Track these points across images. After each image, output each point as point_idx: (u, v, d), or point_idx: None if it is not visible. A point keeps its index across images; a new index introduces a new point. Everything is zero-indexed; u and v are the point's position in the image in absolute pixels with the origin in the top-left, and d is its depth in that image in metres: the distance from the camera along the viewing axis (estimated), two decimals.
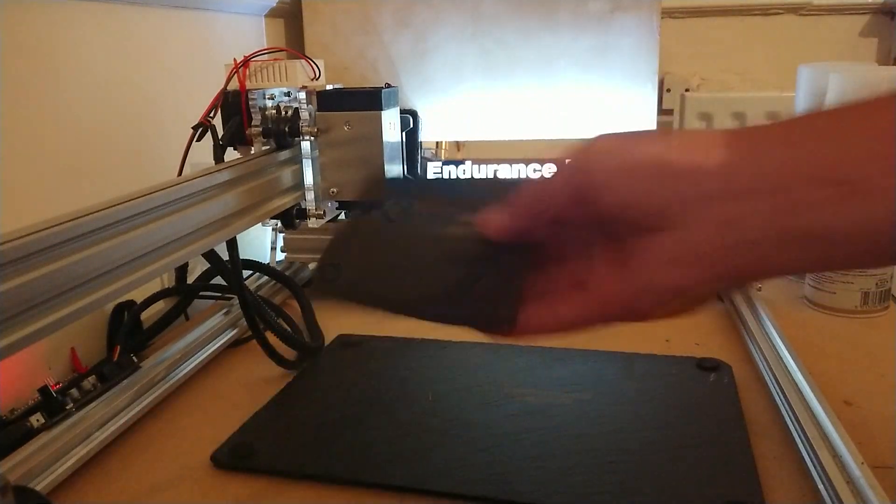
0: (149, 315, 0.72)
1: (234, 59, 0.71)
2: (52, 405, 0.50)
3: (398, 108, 0.79)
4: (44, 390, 0.51)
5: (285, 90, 0.74)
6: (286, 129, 0.71)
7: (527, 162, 0.98)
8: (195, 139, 0.66)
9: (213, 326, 0.68)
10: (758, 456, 0.47)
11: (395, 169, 0.78)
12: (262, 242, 0.92)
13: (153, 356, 0.60)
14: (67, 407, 0.51)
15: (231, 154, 0.68)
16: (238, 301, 0.64)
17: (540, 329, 0.33)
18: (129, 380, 0.56)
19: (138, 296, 0.70)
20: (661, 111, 1.09)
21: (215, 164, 0.64)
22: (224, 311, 0.71)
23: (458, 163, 0.99)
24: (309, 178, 0.75)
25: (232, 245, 0.62)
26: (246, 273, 0.77)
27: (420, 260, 0.36)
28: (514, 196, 0.33)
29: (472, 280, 0.35)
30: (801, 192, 0.25)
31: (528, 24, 0.96)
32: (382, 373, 0.61)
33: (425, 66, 0.99)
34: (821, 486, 0.42)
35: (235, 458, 0.49)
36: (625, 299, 0.31)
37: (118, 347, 0.63)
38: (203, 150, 0.66)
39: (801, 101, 0.80)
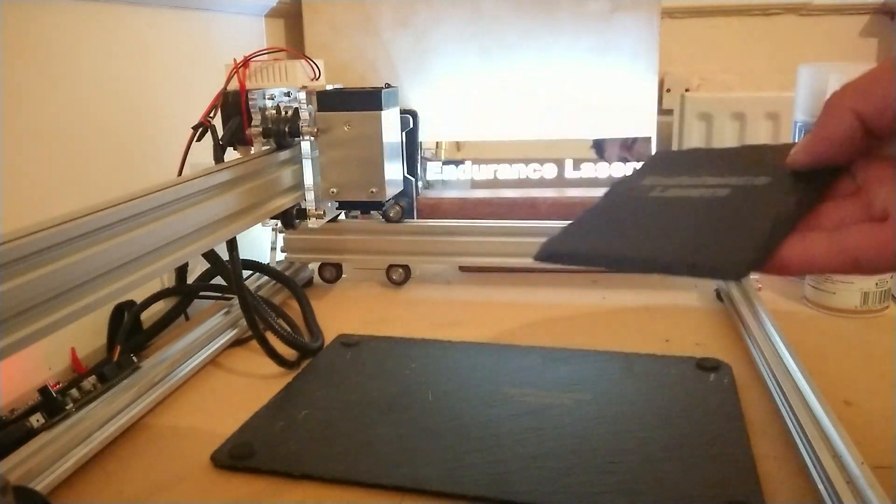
0: (149, 315, 0.72)
1: (234, 59, 0.71)
2: (52, 405, 0.50)
3: (398, 108, 0.79)
4: (44, 390, 0.50)
5: (285, 90, 0.74)
6: (286, 129, 0.71)
7: (527, 162, 0.98)
8: (195, 139, 0.66)
9: (213, 326, 0.68)
10: (758, 456, 0.47)
11: (394, 169, 0.78)
12: (262, 242, 0.92)
13: (153, 356, 0.60)
14: (67, 407, 0.50)
15: (231, 154, 0.68)
16: (238, 301, 0.64)
17: (811, 264, 0.30)
18: (129, 380, 0.56)
19: (138, 296, 0.70)
20: (661, 111, 1.09)
21: (215, 164, 0.64)
22: (224, 311, 0.71)
23: (458, 163, 1.00)
24: (309, 178, 0.75)
25: (232, 245, 0.62)
26: (246, 273, 0.78)
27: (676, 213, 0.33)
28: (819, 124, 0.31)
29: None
30: None
31: (528, 24, 0.96)
32: (382, 373, 0.61)
33: (425, 66, 0.99)
34: (821, 486, 0.42)
35: (235, 458, 0.49)
36: None
37: (118, 347, 0.63)
38: (203, 150, 0.66)
39: (801, 102, 0.80)
